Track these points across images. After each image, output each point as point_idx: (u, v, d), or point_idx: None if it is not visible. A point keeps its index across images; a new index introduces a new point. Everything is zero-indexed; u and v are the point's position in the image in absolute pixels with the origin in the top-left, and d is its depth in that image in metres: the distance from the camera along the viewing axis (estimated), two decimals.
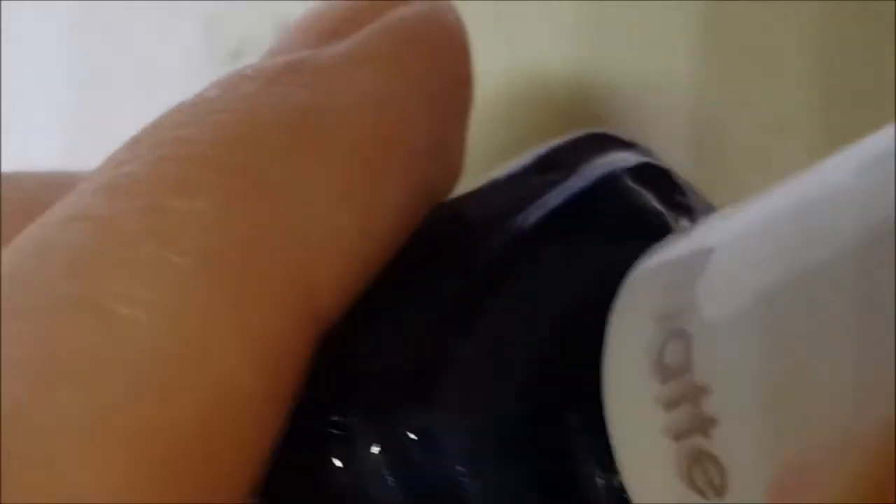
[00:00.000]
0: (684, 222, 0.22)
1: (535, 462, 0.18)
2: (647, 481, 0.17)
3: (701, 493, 0.16)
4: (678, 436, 0.16)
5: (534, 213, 0.21)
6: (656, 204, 0.22)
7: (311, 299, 0.20)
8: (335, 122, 0.20)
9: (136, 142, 0.19)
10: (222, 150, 0.19)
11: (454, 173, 0.23)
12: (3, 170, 0.24)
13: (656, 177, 0.23)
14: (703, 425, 0.16)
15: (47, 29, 0.40)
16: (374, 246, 0.20)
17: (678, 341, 0.16)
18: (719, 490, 0.16)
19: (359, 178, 0.20)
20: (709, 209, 0.23)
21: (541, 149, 0.23)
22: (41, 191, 0.21)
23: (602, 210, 0.22)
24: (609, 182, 0.23)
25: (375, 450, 0.18)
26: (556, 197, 0.22)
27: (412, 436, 0.18)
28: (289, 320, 0.19)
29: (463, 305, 0.19)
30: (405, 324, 0.19)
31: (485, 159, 0.24)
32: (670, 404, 0.16)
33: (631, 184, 0.23)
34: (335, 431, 0.18)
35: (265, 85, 0.20)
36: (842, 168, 0.16)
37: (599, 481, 0.18)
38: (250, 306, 0.18)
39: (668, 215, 0.22)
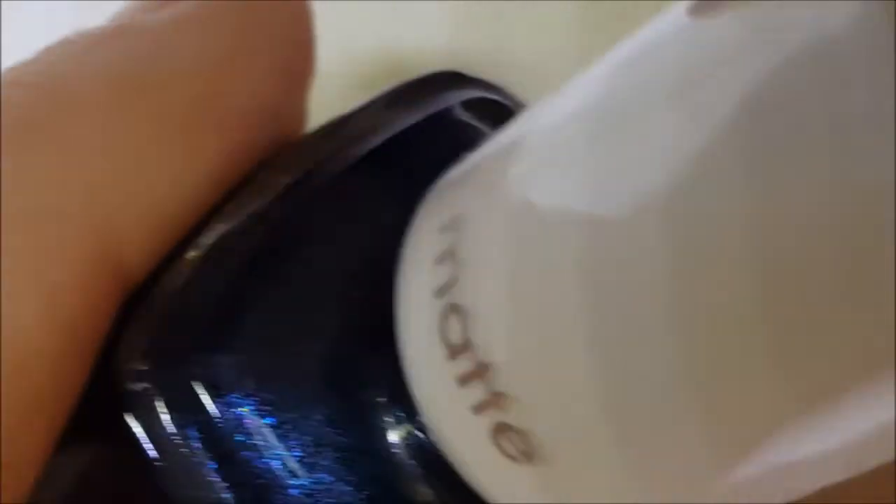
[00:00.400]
0: None
1: (334, 406, 0.18)
2: (453, 437, 0.17)
3: (512, 458, 0.16)
4: (476, 409, 0.16)
5: (354, 152, 0.22)
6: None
7: (114, 256, 0.20)
8: (152, 83, 0.21)
9: None
10: (28, 109, 0.19)
11: (290, 136, 0.23)
12: None
13: (494, 111, 0.23)
14: (497, 399, 0.16)
15: None
16: (187, 204, 0.21)
17: (455, 316, 0.16)
18: (529, 456, 0.16)
19: (172, 138, 0.20)
20: None
21: (390, 86, 0.23)
22: None
23: (430, 144, 0.22)
24: (441, 116, 0.23)
25: (161, 403, 0.18)
26: (384, 133, 0.22)
27: (198, 383, 0.18)
28: (89, 277, 0.19)
29: (263, 249, 0.19)
30: (200, 271, 0.19)
31: None
32: (461, 379, 0.16)
33: (463, 117, 0.23)
34: (129, 385, 0.18)
35: (87, 47, 0.20)
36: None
37: (401, 431, 0.18)
38: (47, 263, 0.18)
39: None
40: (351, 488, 0.18)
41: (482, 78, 0.24)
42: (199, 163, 0.21)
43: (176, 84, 0.21)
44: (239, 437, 0.18)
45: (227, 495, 0.18)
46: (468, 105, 0.23)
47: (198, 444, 0.18)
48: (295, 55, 0.23)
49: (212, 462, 0.18)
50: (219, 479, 0.18)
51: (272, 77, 0.23)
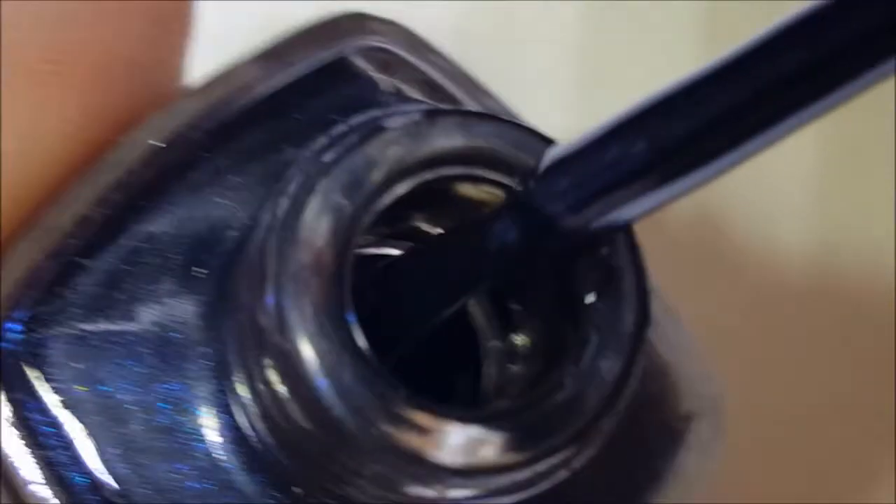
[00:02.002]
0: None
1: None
2: None
3: None
4: None
5: (244, 101, 0.23)
6: (385, 87, 0.23)
7: None
8: (8, 37, 0.20)
9: None
10: None
11: (163, 93, 0.23)
12: None
13: (392, 60, 0.24)
14: None
15: None
16: (39, 164, 0.21)
17: None
18: None
19: (20, 92, 0.20)
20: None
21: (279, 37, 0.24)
22: None
23: (321, 93, 0.23)
24: (334, 66, 0.23)
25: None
26: (276, 82, 0.23)
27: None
28: None
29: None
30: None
31: None
32: None
33: (358, 67, 0.23)
34: None
35: None
36: None
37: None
38: None
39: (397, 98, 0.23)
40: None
41: (389, 20, 0.24)
42: (48, 118, 0.21)
43: (30, 37, 0.21)
44: None
45: None
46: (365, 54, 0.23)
47: None
48: (164, 9, 0.23)
49: None
50: None
51: (135, 31, 0.22)
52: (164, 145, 0.22)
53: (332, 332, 0.19)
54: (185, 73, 0.25)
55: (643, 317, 0.20)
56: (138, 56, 0.22)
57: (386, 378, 0.19)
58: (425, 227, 0.22)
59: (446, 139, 0.20)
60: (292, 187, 0.20)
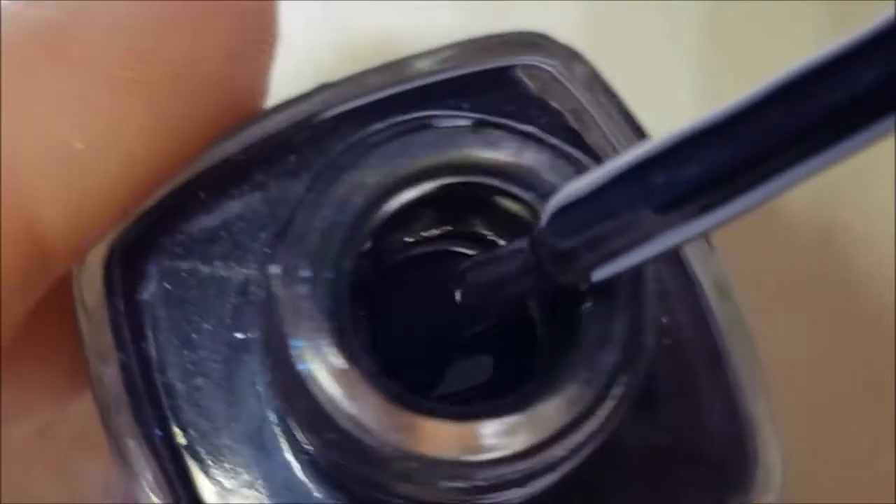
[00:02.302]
0: None
1: None
2: None
3: None
4: None
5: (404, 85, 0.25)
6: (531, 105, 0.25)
7: (30, 214, 0.21)
8: (82, 41, 0.21)
9: None
10: None
11: (247, 109, 0.24)
12: None
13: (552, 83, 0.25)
14: None
15: None
16: (114, 166, 0.21)
17: None
18: None
19: (98, 97, 0.21)
20: None
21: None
22: None
23: (476, 93, 0.25)
24: (494, 73, 0.25)
25: None
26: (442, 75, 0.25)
27: None
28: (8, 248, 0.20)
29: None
30: None
31: None
32: None
33: (517, 80, 0.25)
34: None
35: (25, 6, 0.21)
36: None
37: None
38: None
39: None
40: None
41: (563, 44, 0.26)
42: (123, 124, 0.22)
43: (108, 44, 0.21)
44: None
45: None
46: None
47: None
48: (249, 24, 0.24)
49: None
50: None
51: (219, 45, 0.23)
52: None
53: (324, 340, 0.20)
54: (268, 92, 0.26)
55: (637, 324, 0.21)
56: (220, 70, 0.23)
57: (384, 388, 0.20)
58: (481, 230, 0.23)
59: (459, 150, 0.21)
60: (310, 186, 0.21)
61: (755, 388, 0.25)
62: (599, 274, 0.19)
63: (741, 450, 0.24)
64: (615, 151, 0.26)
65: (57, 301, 0.25)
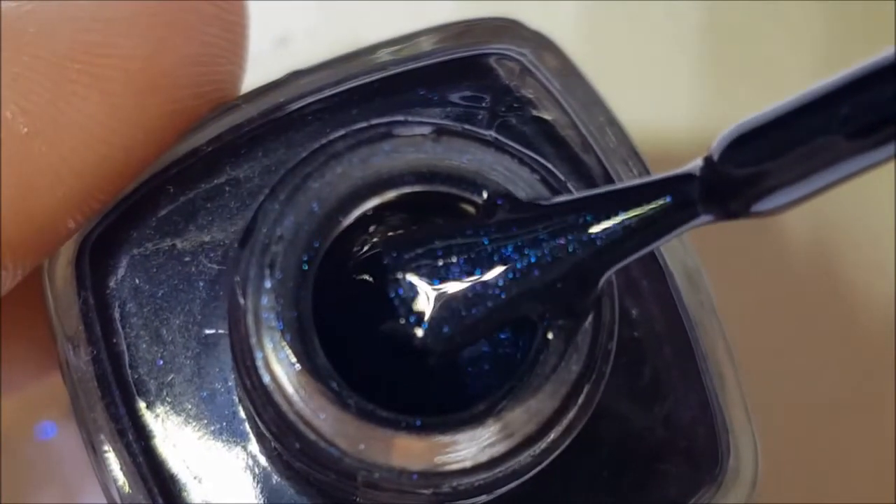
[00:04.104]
0: None
1: None
2: None
3: None
4: None
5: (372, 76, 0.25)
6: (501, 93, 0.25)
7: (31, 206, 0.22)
8: (30, 31, 0.22)
9: None
10: None
11: (214, 106, 0.24)
12: None
13: (523, 71, 0.25)
14: None
15: None
16: (63, 151, 0.22)
17: None
18: None
19: (42, 84, 0.22)
20: None
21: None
22: None
23: (448, 81, 0.25)
24: (467, 60, 0.25)
25: None
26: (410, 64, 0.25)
27: None
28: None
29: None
30: None
31: None
32: None
33: (488, 68, 0.25)
34: None
35: None
36: None
37: None
38: None
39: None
40: None
41: (536, 31, 0.26)
42: (69, 111, 0.22)
43: (51, 31, 0.22)
44: None
45: None
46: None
47: None
48: (213, 29, 0.24)
49: None
50: None
51: (178, 46, 0.24)
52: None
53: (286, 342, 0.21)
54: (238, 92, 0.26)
55: (589, 368, 0.21)
56: (180, 70, 0.24)
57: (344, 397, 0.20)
58: None
59: (412, 156, 0.21)
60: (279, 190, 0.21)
61: (726, 378, 0.25)
62: (766, 203, 0.19)
63: (713, 440, 0.25)
64: (585, 139, 0.25)
65: (32, 281, 0.25)
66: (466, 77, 0.25)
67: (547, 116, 0.25)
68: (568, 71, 0.26)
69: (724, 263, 0.32)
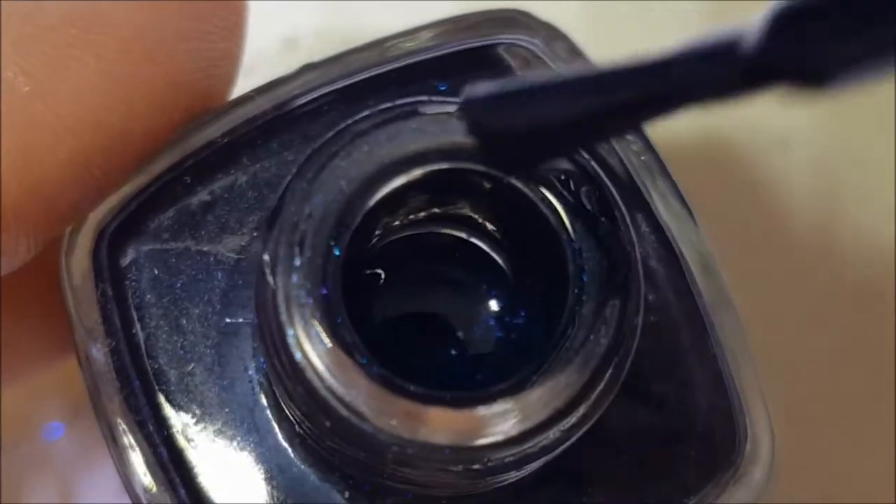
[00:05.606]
0: None
1: None
2: None
3: None
4: None
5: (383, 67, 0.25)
6: None
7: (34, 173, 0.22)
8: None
9: None
10: None
11: (209, 88, 0.25)
12: None
13: (532, 59, 0.25)
14: None
15: None
16: (62, 109, 0.23)
17: None
18: None
19: (41, 46, 0.23)
20: None
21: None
22: None
23: (460, 71, 0.25)
24: (479, 51, 0.25)
25: None
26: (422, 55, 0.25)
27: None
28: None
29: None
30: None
31: None
32: None
33: (499, 57, 0.26)
34: None
35: None
36: None
37: None
38: None
39: None
40: None
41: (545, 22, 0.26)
42: (65, 73, 0.23)
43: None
44: None
45: None
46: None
47: None
48: (208, 9, 0.25)
49: None
50: None
51: (172, 21, 0.24)
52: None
53: (317, 323, 0.21)
54: (235, 79, 0.26)
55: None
56: (175, 45, 0.24)
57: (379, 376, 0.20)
58: (467, 212, 0.23)
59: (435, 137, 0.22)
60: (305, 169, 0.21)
61: (742, 362, 0.25)
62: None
63: (729, 423, 0.25)
64: None
65: (36, 268, 0.25)
66: (478, 67, 0.25)
67: None
68: (578, 60, 0.26)
69: (736, 251, 0.32)
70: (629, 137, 0.26)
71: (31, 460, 0.36)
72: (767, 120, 0.36)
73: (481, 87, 0.20)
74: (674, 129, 0.35)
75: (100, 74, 0.23)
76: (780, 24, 0.17)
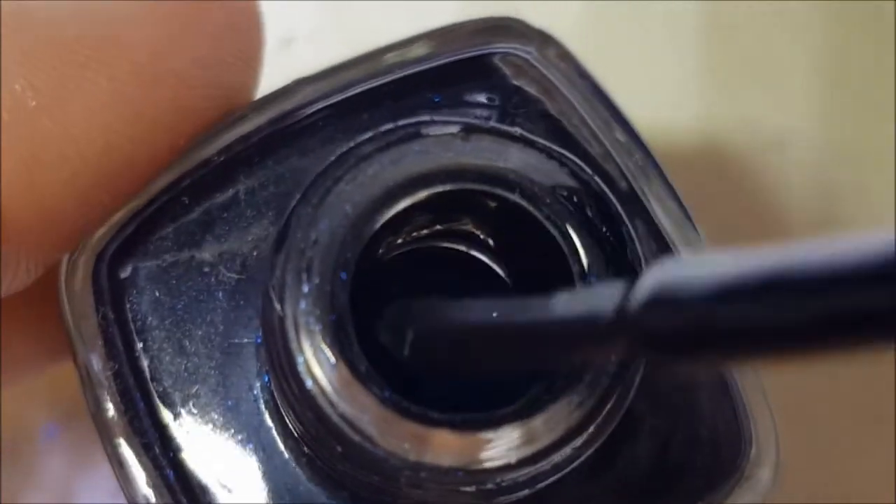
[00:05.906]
0: None
1: None
2: None
3: None
4: None
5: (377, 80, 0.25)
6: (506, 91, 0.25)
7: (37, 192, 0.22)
8: (42, 18, 0.23)
9: None
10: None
11: (226, 108, 0.25)
12: None
13: (528, 68, 0.25)
14: None
15: None
16: (69, 126, 0.23)
17: None
18: None
19: (51, 63, 0.23)
20: None
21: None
22: None
23: (456, 82, 0.25)
24: (474, 60, 0.25)
25: None
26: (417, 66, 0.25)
27: None
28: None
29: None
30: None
31: None
32: None
33: (494, 67, 0.26)
34: None
35: None
36: None
37: None
38: None
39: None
40: None
41: (540, 30, 0.26)
42: (75, 95, 0.23)
43: (63, 20, 0.23)
44: None
45: None
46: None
47: None
48: (224, 33, 0.25)
49: None
50: None
51: (187, 45, 0.24)
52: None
53: (328, 343, 0.21)
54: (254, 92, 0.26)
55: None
56: (190, 69, 0.24)
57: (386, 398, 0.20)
58: (471, 228, 0.23)
59: (441, 158, 0.22)
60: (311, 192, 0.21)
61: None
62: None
63: (734, 428, 0.25)
64: (594, 135, 0.26)
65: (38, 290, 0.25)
66: (473, 77, 0.25)
67: (554, 113, 0.25)
68: (573, 67, 0.26)
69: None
70: (620, 138, 0.26)
71: (28, 461, 0.36)
72: (764, 120, 0.36)
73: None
74: (671, 131, 0.35)
75: (111, 96, 0.23)
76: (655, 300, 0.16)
